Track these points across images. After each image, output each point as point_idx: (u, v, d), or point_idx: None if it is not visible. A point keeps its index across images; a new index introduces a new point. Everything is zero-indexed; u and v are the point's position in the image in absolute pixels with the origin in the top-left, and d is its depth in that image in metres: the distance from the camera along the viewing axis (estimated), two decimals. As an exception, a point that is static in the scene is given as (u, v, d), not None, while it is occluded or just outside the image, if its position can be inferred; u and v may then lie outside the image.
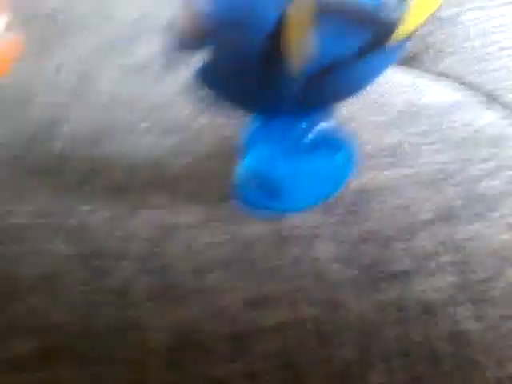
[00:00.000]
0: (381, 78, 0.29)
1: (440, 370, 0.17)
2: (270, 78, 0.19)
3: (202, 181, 0.23)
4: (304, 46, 0.18)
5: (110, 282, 0.19)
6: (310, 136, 0.22)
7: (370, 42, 0.20)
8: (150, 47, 0.32)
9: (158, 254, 0.20)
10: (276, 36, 0.18)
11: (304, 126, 0.21)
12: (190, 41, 0.19)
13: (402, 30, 0.20)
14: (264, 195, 0.22)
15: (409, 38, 0.21)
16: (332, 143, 0.23)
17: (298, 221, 0.21)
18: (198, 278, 0.19)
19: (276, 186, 0.22)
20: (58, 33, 0.32)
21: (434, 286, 0.19)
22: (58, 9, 0.35)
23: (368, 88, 0.28)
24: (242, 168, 0.22)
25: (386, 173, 0.24)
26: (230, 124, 0.26)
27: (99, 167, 0.23)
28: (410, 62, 0.37)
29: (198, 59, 0.19)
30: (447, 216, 0.22)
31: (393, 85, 0.30)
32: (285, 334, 0.18)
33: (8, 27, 0.21)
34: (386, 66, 0.22)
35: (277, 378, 0.17)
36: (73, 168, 0.23)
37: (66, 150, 0.24)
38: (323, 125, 0.22)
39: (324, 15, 0.18)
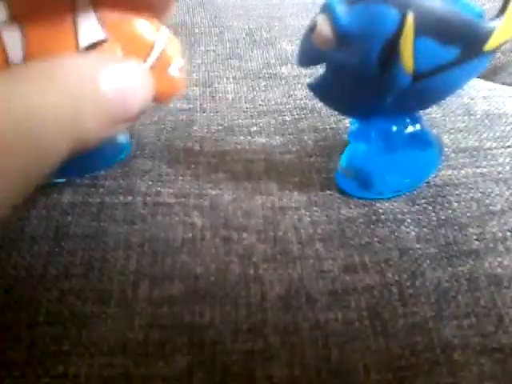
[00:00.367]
0: (465, 88, 0.32)
1: (505, 330, 0.20)
2: (384, 84, 0.22)
3: (304, 174, 0.27)
4: (410, 55, 0.21)
5: (235, 248, 0.23)
6: (401, 136, 0.24)
7: (464, 53, 0.22)
8: (263, 56, 0.38)
9: (271, 228, 0.24)
10: (393, 45, 0.21)
11: (396, 127, 0.24)
12: (311, 55, 0.23)
13: (491, 43, 0.22)
14: (358, 185, 0.25)
15: (495, 50, 0.23)
16: (420, 142, 0.25)
17: (386, 208, 0.25)
18: (303, 248, 0.24)
19: (369, 178, 0.25)
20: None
21: (502, 264, 0.22)
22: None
23: (453, 98, 0.32)
24: (341, 162, 0.26)
25: (462, 171, 0.27)
26: (326, 127, 0.31)
27: (224, 160, 0.28)
28: (495, 74, 0.40)
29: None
30: None
31: (476, 95, 0.33)
32: (373, 294, 0.22)
33: (181, 69, 0.23)
34: (473, 76, 0.24)
35: (366, 326, 0.21)
36: (203, 161, 0.28)
37: (196, 146, 0.29)
38: (414, 126, 0.25)
39: (428, 27, 0.21)
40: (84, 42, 0.23)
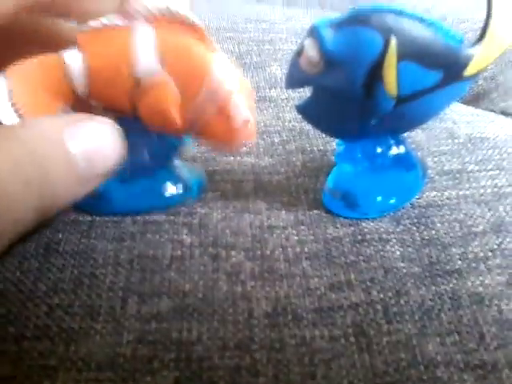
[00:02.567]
0: (448, 113, 0.33)
1: (487, 347, 0.21)
2: (367, 108, 0.22)
3: (292, 194, 0.28)
4: (393, 79, 0.22)
5: (223, 265, 0.24)
6: (386, 157, 0.25)
7: (445, 77, 0.23)
8: (253, 80, 0.39)
9: (259, 247, 0.25)
10: (376, 69, 0.21)
11: (381, 149, 0.25)
12: (298, 78, 0.23)
13: (470, 69, 0.23)
14: (345, 205, 0.26)
15: (476, 76, 0.24)
16: (404, 164, 0.26)
17: (372, 227, 0.26)
18: (290, 266, 0.24)
19: (355, 199, 0.26)
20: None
21: (484, 283, 0.23)
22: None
23: (436, 122, 0.33)
24: (328, 183, 0.27)
25: (445, 193, 0.28)
26: (314, 149, 0.31)
27: (213, 180, 0.28)
28: (477, 100, 0.41)
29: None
30: (497, 229, 0.25)
31: (459, 120, 0.34)
32: (358, 311, 0.22)
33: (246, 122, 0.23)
34: (454, 99, 0.25)
35: (351, 343, 0.21)
36: None
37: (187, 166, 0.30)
38: (398, 148, 0.26)
39: (411, 52, 0.22)
40: (140, 73, 0.22)
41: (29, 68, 0.23)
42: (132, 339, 0.21)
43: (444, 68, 0.23)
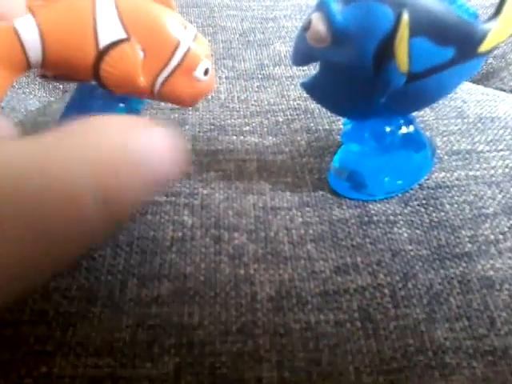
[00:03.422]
0: (457, 92, 0.32)
1: (497, 332, 0.20)
2: (378, 84, 0.22)
3: (297, 174, 0.27)
4: (405, 55, 0.21)
5: (226, 247, 0.23)
6: (395, 137, 0.24)
7: (459, 54, 0.22)
8: (257, 57, 0.38)
9: (262, 228, 0.24)
10: (387, 44, 0.21)
11: (390, 128, 0.24)
12: (305, 54, 0.23)
13: (485, 45, 0.22)
14: (351, 186, 0.25)
15: (489, 52, 0.23)
16: (413, 144, 0.25)
17: (379, 209, 0.25)
18: (294, 248, 0.23)
19: (362, 180, 0.25)
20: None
21: (494, 266, 0.22)
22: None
23: (446, 101, 0.32)
24: (334, 163, 0.26)
25: (455, 174, 0.27)
26: (319, 128, 0.31)
27: (215, 159, 0.28)
28: (487, 79, 0.40)
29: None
30: (509, 211, 0.25)
31: (469, 99, 0.33)
32: (364, 295, 0.21)
33: (208, 71, 0.24)
34: (467, 77, 0.24)
35: (357, 328, 0.20)
36: (195, 160, 0.28)
37: (188, 145, 0.29)
38: (408, 127, 0.25)
39: (423, 27, 0.21)
40: (104, 41, 0.22)
41: None
42: (131, 323, 0.20)
43: (458, 44, 0.22)
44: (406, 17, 0.20)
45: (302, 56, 0.23)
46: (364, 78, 0.22)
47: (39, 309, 0.20)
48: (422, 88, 0.23)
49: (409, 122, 0.25)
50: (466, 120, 0.31)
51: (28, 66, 0.23)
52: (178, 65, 0.23)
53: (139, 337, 0.20)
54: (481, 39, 0.22)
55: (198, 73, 0.23)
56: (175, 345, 0.20)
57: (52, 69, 0.23)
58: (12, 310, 0.20)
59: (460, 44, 0.22)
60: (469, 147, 0.29)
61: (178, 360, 0.19)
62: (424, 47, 0.21)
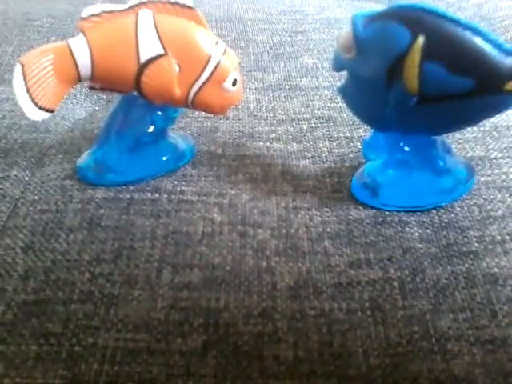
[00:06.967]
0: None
1: (498, 324, 0.22)
2: (388, 97, 0.23)
3: (318, 178, 0.29)
4: (415, 75, 0.22)
5: (250, 242, 0.25)
6: (410, 155, 0.26)
7: (478, 87, 0.21)
8: (285, 69, 0.40)
9: (284, 226, 0.26)
10: (399, 62, 0.22)
11: (404, 145, 0.26)
12: (337, 62, 0.25)
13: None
14: (367, 193, 0.27)
15: None
16: (431, 168, 0.26)
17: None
18: (312, 244, 0.26)
19: (377, 188, 0.27)
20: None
21: (499, 264, 0.24)
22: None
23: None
24: (360, 169, 0.28)
25: (467, 179, 0.29)
26: (341, 136, 0.33)
27: (243, 163, 0.30)
28: None
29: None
30: None
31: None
32: (375, 287, 0.23)
33: (236, 82, 0.26)
34: (491, 114, 0.24)
35: (367, 316, 0.22)
36: (224, 163, 0.30)
37: (219, 150, 0.31)
38: (428, 150, 0.26)
39: (438, 53, 0.21)
40: (144, 56, 0.25)
41: (40, 55, 0.25)
42: (165, 305, 0.23)
43: (477, 76, 0.22)
44: (420, 41, 0.21)
45: (334, 63, 0.26)
46: (378, 91, 0.24)
47: (87, 290, 0.23)
48: (438, 112, 0.23)
49: (429, 145, 0.26)
50: (481, 128, 0.32)
51: (79, 78, 0.26)
52: (209, 77, 0.26)
53: (172, 317, 0.22)
54: (506, 75, 0.22)
55: (227, 84, 0.26)
56: (203, 325, 0.22)
57: (99, 81, 0.27)
58: (64, 290, 0.23)
59: (480, 77, 0.22)
60: (482, 154, 0.30)
61: (206, 338, 0.22)
62: (438, 73, 0.22)
